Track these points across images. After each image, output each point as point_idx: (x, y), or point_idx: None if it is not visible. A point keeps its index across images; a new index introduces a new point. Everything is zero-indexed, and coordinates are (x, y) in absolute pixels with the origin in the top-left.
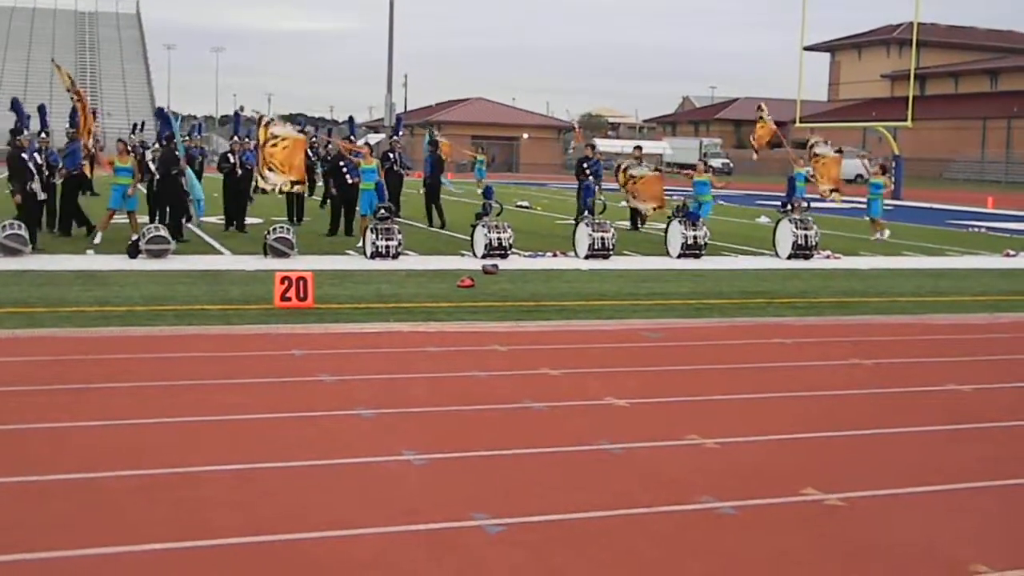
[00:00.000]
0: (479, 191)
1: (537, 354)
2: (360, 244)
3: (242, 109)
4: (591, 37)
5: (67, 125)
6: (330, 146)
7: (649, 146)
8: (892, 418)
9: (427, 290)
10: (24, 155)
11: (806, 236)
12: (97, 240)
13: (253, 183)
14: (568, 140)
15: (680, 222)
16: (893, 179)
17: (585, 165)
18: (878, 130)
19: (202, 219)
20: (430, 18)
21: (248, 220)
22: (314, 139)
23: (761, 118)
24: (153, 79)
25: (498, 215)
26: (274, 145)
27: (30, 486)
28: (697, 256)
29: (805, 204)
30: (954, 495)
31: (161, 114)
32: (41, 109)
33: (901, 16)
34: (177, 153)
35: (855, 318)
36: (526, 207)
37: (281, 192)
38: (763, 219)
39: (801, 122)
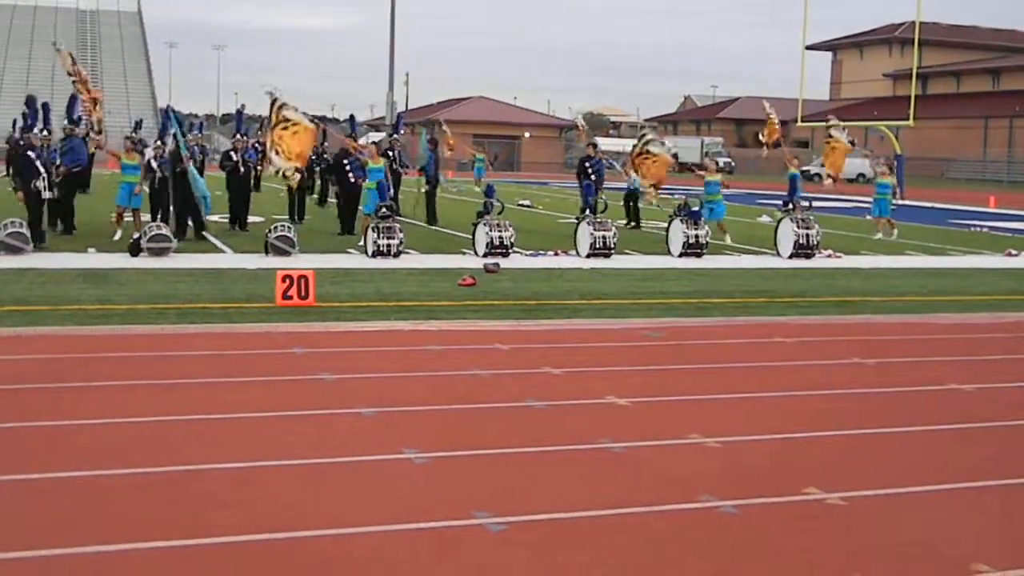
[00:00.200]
0: (477, 189)
1: (538, 353)
2: (361, 243)
3: (244, 107)
4: (592, 36)
5: (64, 120)
6: (326, 144)
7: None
8: (894, 417)
9: (428, 289)
10: (31, 153)
11: (808, 235)
12: (117, 237)
13: (255, 175)
14: (570, 138)
15: (682, 221)
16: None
17: (587, 164)
18: (880, 129)
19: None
20: (432, 16)
21: (251, 219)
22: (326, 143)
23: (769, 116)
24: (154, 77)
25: (499, 214)
26: (284, 128)
27: (31, 484)
28: (698, 255)
29: (807, 203)
30: (956, 495)
31: (169, 113)
32: (44, 107)
33: (903, 15)
34: (183, 152)
35: (857, 317)
36: (527, 206)
37: (285, 176)
38: (764, 218)
39: (803, 121)
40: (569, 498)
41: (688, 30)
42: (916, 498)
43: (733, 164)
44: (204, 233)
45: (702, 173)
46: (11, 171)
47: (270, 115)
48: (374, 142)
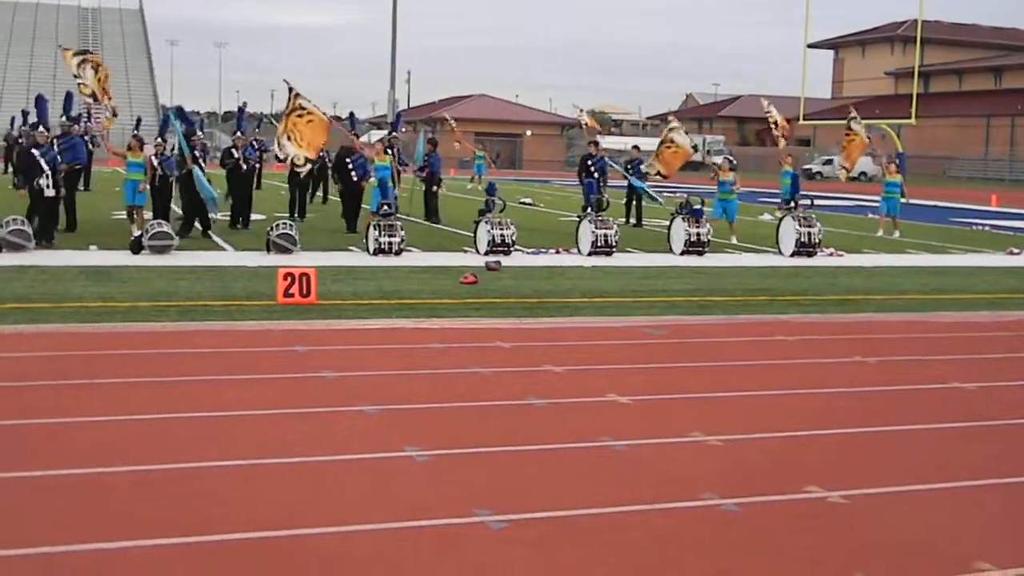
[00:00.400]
0: (480, 188)
1: (540, 351)
2: (364, 240)
3: (245, 105)
4: (594, 34)
5: (62, 117)
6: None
7: (651, 143)
8: (895, 416)
9: (430, 287)
10: (35, 151)
11: (809, 233)
12: (136, 233)
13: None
14: (572, 136)
15: (684, 219)
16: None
17: (590, 162)
18: (882, 128)
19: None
20: (433, 15)
21: (252, 217)
22: None
23: (768, 114)
24: (156, 75)
25: (501, 212)
26: (299, 116)
27: (32, 481)
28: (700, 253)
29: (808, 202)
30: (958, 493)
31: (180, 112)
32: (41, 103)
33: (905, 13)
34: (186, 153)
35: (858, 316)
36: (529, 204)
37: (294, 165)
38: (766, 216)
39: (805, 119)
40: (570, 496)
41: (689, 28)
42: (918, 496)
43: (735, 163)
44: (209, 232)
45: (717, 168)
46: (13, 169)
47: (288, 102)
48: (379, 140)
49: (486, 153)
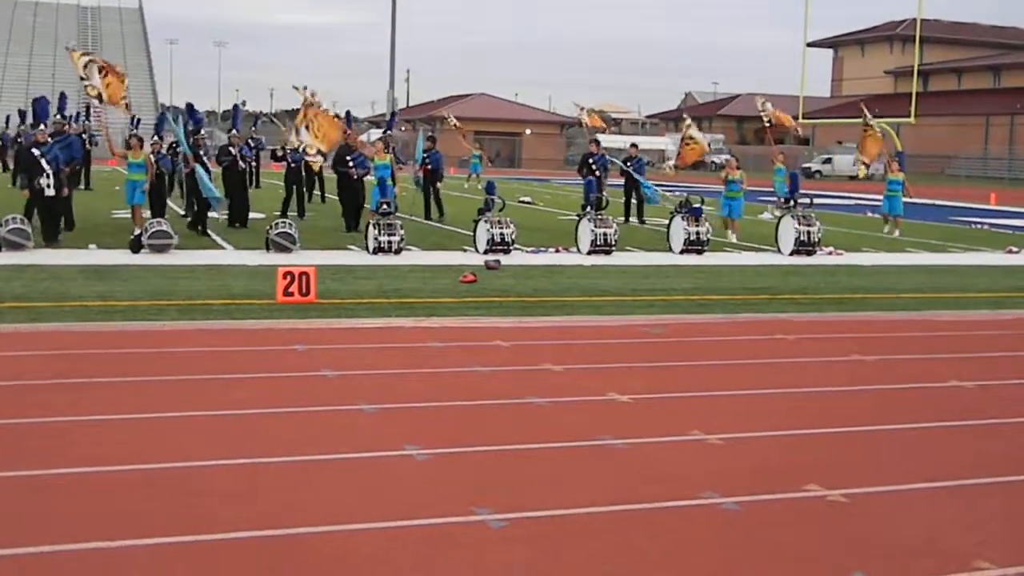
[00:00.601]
0: (479, 186)
1: (539, 350)
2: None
3: (244, 104)
4: (593, 32)
5: (56, 116)
6: None
7: (651, 142)
8: (895, 414)
9: (430, 285)
10: (36, 150)
11: (808, 232)
12: (137, 232)
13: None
14: (571, 135)
15: (683, 218)
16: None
17: (591, 160)
18: (881, 126)
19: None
20: (433, 13)
21: (251, 215)
22: None
23: (762, 114)
24: (155, 74)
25: (500, 211)
26: (318, 110)
27: (32, 481)
28: (699, 252)
29: (807, 201)
30: (957, 491)
31: (190, 109)
32: (35, 102)
33: (904, 12)
34: (187, 153)
35: (857, 314)
36: (528, 203)
37: (306, 154)
38: (765, 215)
39: (804, 118)
40: (570, 494)
41: (690, 26)
42: (917, 495)
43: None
44: (208, 231)
45: (726, 165)
46: (13, 168)
47: (304, 101)
48: (379, 139)
49: (482, 152)
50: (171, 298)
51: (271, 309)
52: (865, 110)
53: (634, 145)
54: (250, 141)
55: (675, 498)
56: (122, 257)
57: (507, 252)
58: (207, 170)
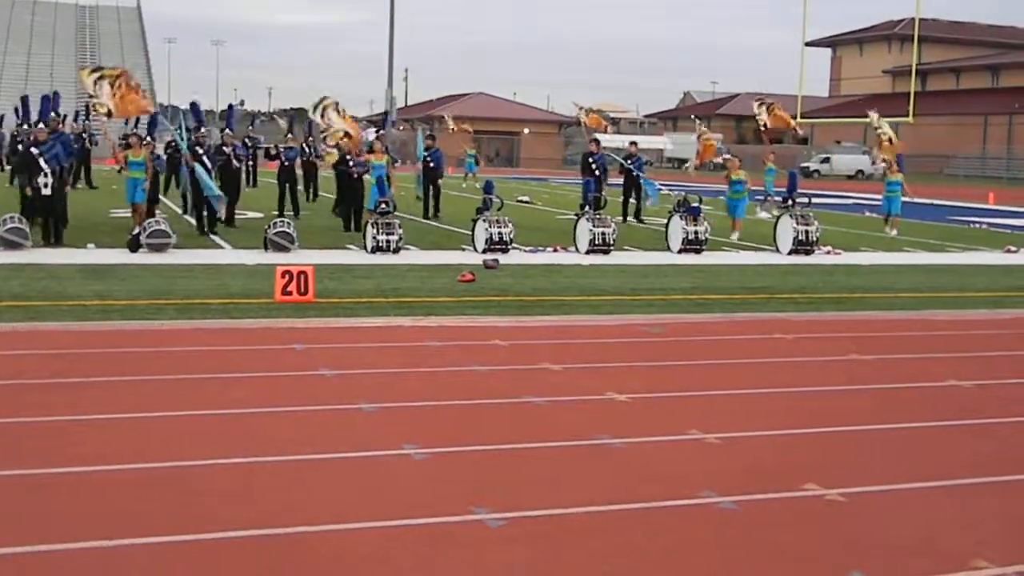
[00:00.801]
0: (477, 185)
1: (538, 349)
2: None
3: (242, 103)
4: (593, 33)
5: (51, 115)
6: (311, 138)
7: (649, 141)
8: (893, 414)
9: (428, 284)
10: (35, 149)
11: (807, 232)
12: (136, 231)
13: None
14: (570, 135)
15: (681, 217)
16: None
17: (591, 160)
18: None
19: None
20: (431, 12)
21: (250, 214)
22: (310, 137)
23: (758, 116)
24: (153, 73)
25: (499, 210)
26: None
27: (30, 480)
28: (698, 251)
29: (806, 200)
30: (955, 490)
31: (195, 108)
32: (24, 100)
33: (903, 11)
34: (184, 152)
35: (856, 314)
36: (527, 202)
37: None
38: (762, 214)
39: (803, 118)
40: (568, 494)
41: (688, 26)
42: (915, 494)
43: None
44: (206, 231)
45: (728, 165)
46: (11, 167)
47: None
48: (376, 138)
49: (476, 151)
50: (169, 297)
51: (269, 308)
52: (873, 117)
53: (634, 143)
54: (247, 140)
55: (673, 497)
56: (120, 256)
57: (505, 251)
58: (207, 169)
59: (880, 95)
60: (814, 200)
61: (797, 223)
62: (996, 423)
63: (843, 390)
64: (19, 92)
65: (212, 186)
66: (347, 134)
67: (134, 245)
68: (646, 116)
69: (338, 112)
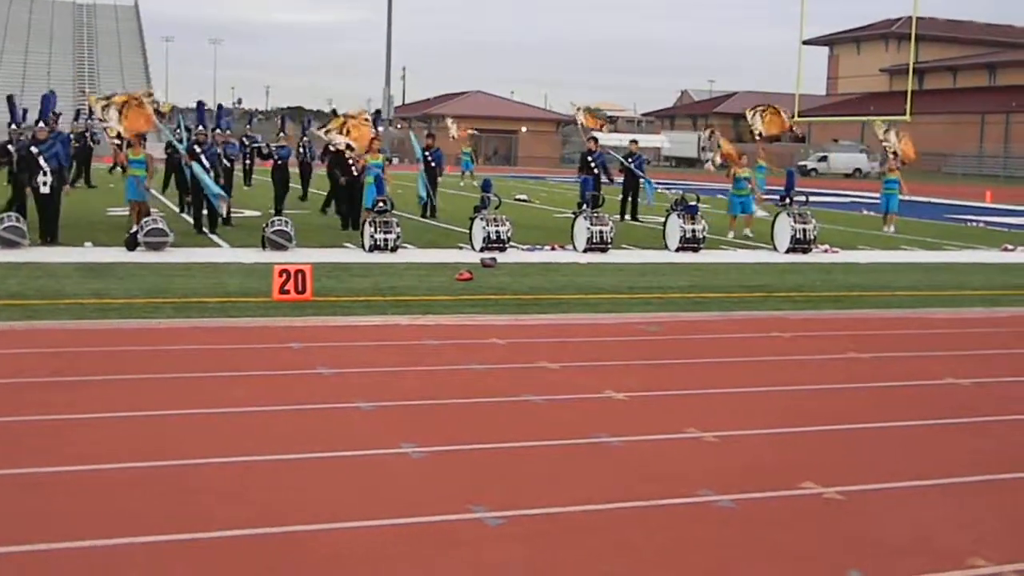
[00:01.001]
0: (475, 184)
1: (535, 347)
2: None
3: (239, 102)
4: (592, 32)
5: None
6: (305, 138)
7: (647, 139)
8: (890, 412)
9: (426, 283)
10: (34, 148)
11: (804, 230)
12: (134, 229)
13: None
14: (567, 133)
15: (679, 216)
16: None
17: (589, 159)
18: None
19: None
20: (429, 11)
21: (247, 213)
22: (305, 138)
23: (752, 120)
24: (151, 71)
25: (496, 208)
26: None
27: (28, 479)
28: (696, 250)
29: (803, 198)
30: (952, 489)
31: (199, 107)
32: (10, 100)
33: (900, 10)
34: (182, 151)
35: (853, 312)
36: (524, 200)
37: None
38: (761, 213)
39: (800, 116)
40: (566, 492)
41: (688, 27)
42: (913, 492)
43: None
44: (205, 230)
45: (735, 159)
46: (10, 167)
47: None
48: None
49: (471, 150)
50: (167, 296)
51: (267, 307)
52: (877, 126)
53: (634, 141)
54: (244, 139)
55: (671, 496)
56: (118, 255)
57: (503, 250)
58: (205, 168)
59: (877, 94)
60: (811, 198)
61: (795, 221)
62: (993, 421)
63: (841, 388)
64: (16, 90)
65: (212, 185)
66: (349, 147)
67: (132, 244)
68: (643, 114)
69: (343, 131)
